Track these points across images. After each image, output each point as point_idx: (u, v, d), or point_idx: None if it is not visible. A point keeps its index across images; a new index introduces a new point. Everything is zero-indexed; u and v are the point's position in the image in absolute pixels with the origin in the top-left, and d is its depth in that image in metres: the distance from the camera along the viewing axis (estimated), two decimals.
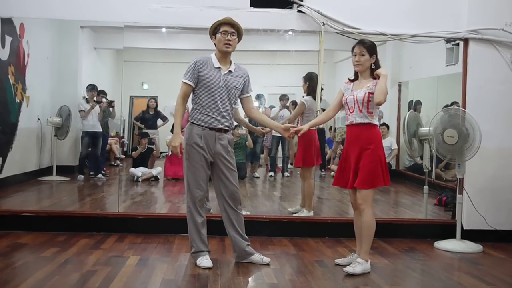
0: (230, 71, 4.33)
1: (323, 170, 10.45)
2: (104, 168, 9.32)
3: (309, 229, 5.60)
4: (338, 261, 4.54)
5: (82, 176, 8.85)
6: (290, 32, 5.90)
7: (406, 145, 6.24)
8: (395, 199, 8.48)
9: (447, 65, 7.91)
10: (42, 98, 8.96)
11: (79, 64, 9.56)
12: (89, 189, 8.36)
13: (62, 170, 8.84)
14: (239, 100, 4.53)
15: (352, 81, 4.48)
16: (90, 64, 10.21)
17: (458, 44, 6.83)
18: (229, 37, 4.26)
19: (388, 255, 4.93)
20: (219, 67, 4.29)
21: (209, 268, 4.23)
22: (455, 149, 5.32)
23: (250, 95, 4.53)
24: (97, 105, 8.96)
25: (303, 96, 6.40)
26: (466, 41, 5.66)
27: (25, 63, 8.25)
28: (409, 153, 6.84)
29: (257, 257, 4.45)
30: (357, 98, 4.31)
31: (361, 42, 4.40)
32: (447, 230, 5.52)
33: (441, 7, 5.66)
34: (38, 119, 8.76)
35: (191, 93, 4.34)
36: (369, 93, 4.27)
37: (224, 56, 4.32)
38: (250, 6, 5.51)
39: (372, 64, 4.36)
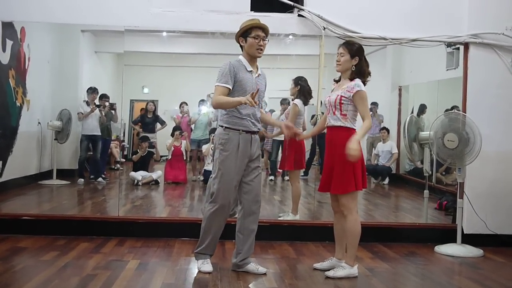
0: (259, 75, 4.30)
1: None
2: (105, 172, 9.32)
3: (310, 233, 5.59)
4: (317, 265, 4.48)
5: (82, 180, 8.85)
6: (290, 36, 5.91)
7: (407, 149, 6.24)
8: (395, 203, 8.48)
9: (447, 69, 7.91)
10: (43, 102, 8.97)
11: (80, 68, 9.57)
12: (89, 193, 8.36)
13: (63, 173, 8.83)
14: None
15: (336, 82, 4.45)
16: (90, 68, 10.22)
17: (458, 48, 6.83)
18: (261, 43, 4.18)
19: (388, 260, 4.92)
20: (251, 71, 4.23)
21: (209, 273, 4.22)
22: (455, 153, 5.32)
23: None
24: (97, 109, 8.96)
25: (292, 99, 6.42)
26: (466, 45, 5.66)
27: (26, 67, 8.25)
28: (410, 157, 6.85)
29: (253, 266, 4.32)
30: (330, 101, 4.28)
31: (344, 43, 4.37)
32: (447, 235, 5.51)
33: (441, 12, 5.66)
34: (39, 122, 8.76)
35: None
36: (342, 96, 4.20)
37: (254, 59, 4.27)
38: (251, 10, 5.52)
39: (353, 66, 4.26)
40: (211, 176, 4.52)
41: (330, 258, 4.50)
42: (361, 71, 4.28)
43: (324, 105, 4.40)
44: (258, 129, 4.29)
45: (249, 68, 4.22)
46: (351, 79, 4.25)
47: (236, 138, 4.16)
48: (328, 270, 4.32)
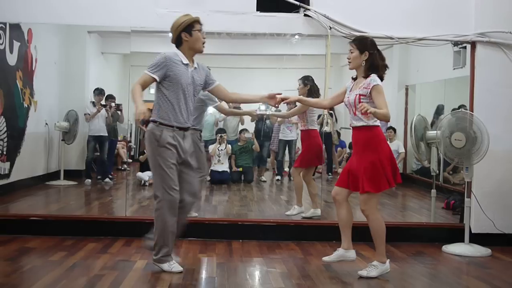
0: (195, 68, 4.28)
1: (330, 173, 10.43)
2: (112, 172, 9.34)
3: (317, 233, 5.59)
4: (326, 258, 4.48)
5: (90, 181, 8.88)
6: (296, 36, 5.90)
7: (414, 149, 6.23)
8: (402, 203, 8.45)
9: (454, 68, 7.89)
10: (50, 103, 9.01)
11: (87, 69, 9.60)
12: (97, 193, 8.39)
13: (70, 174, 8.87)
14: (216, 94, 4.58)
15: (354, 79, 4.39)
16: (97, 69, 10.25)
17: (465, 47, 6.81)
18: (204, 36, 4.23)
19: (396, 259, 4.91)
20: (187, 64, 4.21)
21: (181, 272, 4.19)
22: (463, 152, 5.30)
23: (218, 82, 4.45)
24: (103, 109, 8.99)
25: None
26: (473, 44, 5.64)
27: (33, 68, 8.29)
28: (417, 156, 6.82)
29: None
30: (350, 101, 4.25)
31: (353, 39, 4.35)
32: (455, 234, 5.49)
33: (448, 10, 5.64)
34: (46, 123, 8.80)
35: (155, 89, 4.21)
36: (360, 95, 4.16)
37: (193, 54, 4.26)
38: (257, 10, 5.52)
39: (364, 62, 4.22)
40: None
41: (337, 249, 4.49)
42: (374, 65, 4.21)
43: (344, 105, 4.37)
44: (193, 125, 4.33)
45: (185, 61, 4.21)
46: (366, 76, 4.21)
47: (171, 134, 4.15)
48: (337, 261, 4.38)
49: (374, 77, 4.18)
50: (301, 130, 6.42)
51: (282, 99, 4.46)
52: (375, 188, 4.17)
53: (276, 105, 4.58)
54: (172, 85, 4.13)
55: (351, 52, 4.25)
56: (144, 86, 4.14)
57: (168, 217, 4.15)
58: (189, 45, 4.20)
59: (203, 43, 4.24)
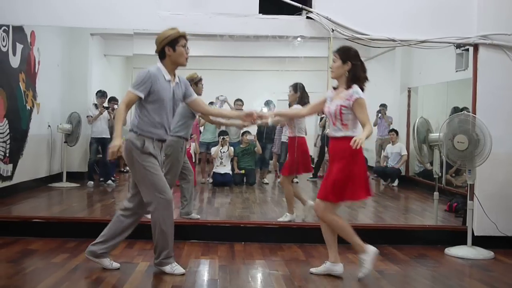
0: (176, 83, 4.28)
1: None
2: (114, 175, 9.35)
3: (319, 235, 5.53)
4: (313, 270, 4.43)
5: (92, 183, 8.89)
6: (299, 39, 5.90)
7: (416, 151, 6.21)
8: (405, 205, 8.44)
9: (456, 71, 7.89)
10: (53, 105, 9.03)
11: (89, 71, 9.63)
12: (99, 196, 8.39)
13: (72, 176, 8.89)
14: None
15: (335, 89, 4.36)
16: (100, 71, 10.28)
17: (468, 50, 6.82)
18: (188, 51, 4.24)
19: (398, 262, 4.90)
20: (169, 80, 4.21)
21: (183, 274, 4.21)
22: (465, 155, 5.29)
23: (196, 96, 4.46)
24: (106, 111, 9.00)
25: (289, 105, 6.39)
26: (476, 46, 5.63)
27: (36, 71, 8.32)
28: (419, 159, 6.82)
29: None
30: (330, 111, 4.23)
31: (337, 49, 4.32)
32: (457, 237, 5.48)
33: (450, 13, 5.64)
34: (49, 125, 8.82)
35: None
36: (341, 105, 4.13)
37: (175, 68, 4.26)
38: (259, 12, 5.52)
39: (347, 72, 4.20)
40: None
41: (325, 262, 4.43)
42: (355, 76, 4.20)
43: (324, 114, 4.35)
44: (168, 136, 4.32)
45: (168, 77, 4.21)
46: (348, 87, 4.19)
47: (152, 144, 4.19)
48: (324, 274, 4.32)
49: (356, 88, 4.15)
50: (288, 137, 6.38)
51: (259, 116, 4.49)
52: (337, 198, 4.17)
53: (253, 122, 4.55)
54: (154, 100, 4.13)
55: (334, 62, 4.25)
56: (130, 105, 4.17)
57: (166, 219, 4.20)
58: (172, 60, 4.20)
59: (186, 59, 4.24)
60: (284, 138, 9.97)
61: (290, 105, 6.40)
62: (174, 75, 4.27)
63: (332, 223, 4.24)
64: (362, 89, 4.20)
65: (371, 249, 4.24)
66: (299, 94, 6.27)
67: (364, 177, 4.21)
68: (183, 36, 4.21)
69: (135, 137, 4.18)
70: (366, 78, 4.26)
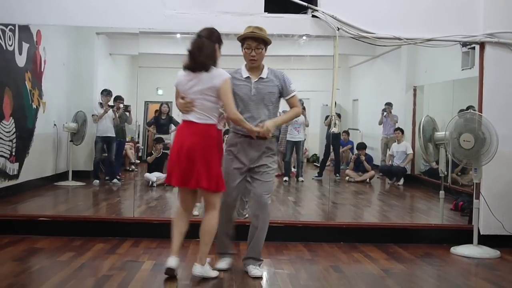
0: (260, 78, 4.25)
1: (337, 174, 10.42)
2: (119, 173, 9.37)
3: (324, 234, 5.58)
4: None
5: (98, 181, 8.91)
6: (304, 37, 5.91)
7: (422, 150, 6.19)
8: (410, 204, 8.43)
9: (462, 69, 7.86)
10: (58, 104, 9.05)
11: (95, 70, 9.64)
12: (105, 194, 8.41)
13: (78, 175, 8.91)
14: None
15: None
16: (105, 70, 10.29)
17: (474, 48, 6.78)
18: (253, 53, 4.19)
19: (404, 261, 4.90)
20: (247, 77, 4.25)
21: (221, 271, 4.28)
22: (471, 153, 5.27)
23: (290, 96, 4.33)
24: (110, 110, 9.01)
25: None
26: (482, 45, 5.61)
27: (42, 70, 8.34)
28: (425, 157, 6.80)
29: (249, 268, 4.30)
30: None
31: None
32: (463, 236, 5.46)
33: (456, 11, 5.62)
34: (54, 124, 8.85)
35: None
36: None
37: (252, 66, 4.27)
38: (265, 11, 5.52)
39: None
40: None
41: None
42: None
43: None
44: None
45: (245, 74, 4.25)
46: None
47: (236, 141, 4.25)
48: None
49: None
50: None
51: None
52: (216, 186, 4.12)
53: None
54: (235, 99, 4.16)
55: (260, 49, 4.22)
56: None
57: None
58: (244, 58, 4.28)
59: (251, 60, 4.22)
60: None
61: None
62: (261, 71, 4.26)
63: (216, 219, 4.16)
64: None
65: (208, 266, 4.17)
66: None
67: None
68: (247, 37, 4.21)
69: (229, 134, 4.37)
70: None
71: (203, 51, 4.02)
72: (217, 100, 4.01)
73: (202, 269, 4.10)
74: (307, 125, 10.26)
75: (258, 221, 4.24)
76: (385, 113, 10.63)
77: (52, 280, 3.94)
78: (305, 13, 5.59)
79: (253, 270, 4.22)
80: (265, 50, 4.27)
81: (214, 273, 4.17)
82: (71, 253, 4.75)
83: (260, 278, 4.17)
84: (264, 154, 4.25)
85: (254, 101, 4.22)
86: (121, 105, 9.18)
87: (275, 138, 4.43)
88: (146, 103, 12.17)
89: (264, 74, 4.28)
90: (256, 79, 4.25)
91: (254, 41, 4.20)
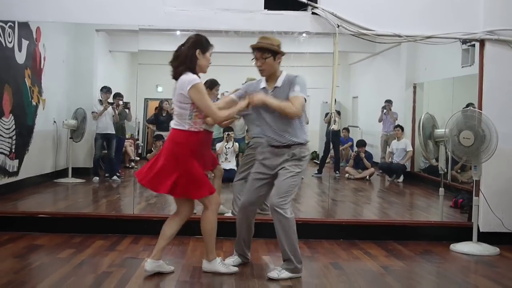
0: (275, 87, 4.19)
1: (337, 171, 10.42)
2: (119, 170, 9.38)
3: (324, 231, 5.58)
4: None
5: (97, 178, 8.92)
6: (304, 34, 5.89)
7: (422, 147, 6.20)
8: (410, 201, 8.44)
9: (462, 67, 7.86)
10: (58, 101, 9.05)
11: (95, 67, 9.64)
12: (104, 191, 8.42)
13: (78, 172, 8.91)
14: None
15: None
16: (105, 67, 10.28)
17: (474, 45, 6.78)
18: (258, 63, 4.18)
19: (403, 258, 4.90)
20: (264, 87, 4.22)
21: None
22: (471, 151, 5.28)
23: (291, 96, 4.15)
24: (110, 107, 9.01)
25: None
26: (482, 42, 5.61)
27: (41, 66, 8.33)
28: (425, 155, 6.80)
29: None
30: None
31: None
32: (463, 233, 5.47)
33: (456, 8, 5.61)
34: (54, 121, 8.85)
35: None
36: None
37: (267, 75, 4.24)
38: (265, 8, 5.51)
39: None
40: None
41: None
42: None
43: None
44: (283, 142, 4.20)
45: (263, 85, 4.23)
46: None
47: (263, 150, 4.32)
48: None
49: None
50: None
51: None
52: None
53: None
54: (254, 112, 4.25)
55: (265, 59, 4.17)
56: None
57: None
58: None
59: (259, 70, 4.23)
60: None
61: None
62: (276, 80, 4.21)
63: (214, 217, 4.21)
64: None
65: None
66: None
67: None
68: (253, 49, 4.22)
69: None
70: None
71: (177, 59, 4.08)
72: (190, 106, 3.96)
73: (209, 265, 4.16)
74: (307, 123, 10.25)
75: (277, 230, 4.18)
76: (385, 111, 10.63)
77: (52, 277, 3.94)
78: (305, 10, 5.58)
79: (272, 271, 4.17)
80: (276, 58, 4.19)
81: (223, 269, 4.17)
82: (71, 250, 4.76)
83: (267, 279, 4.09)
84: (287, 160, 4.18)
85: (270, 112, 4.14)
86: (121, 102, 9.18)
87: (302, 146, 4.28)
88: (146, 100, 12.15)
89: (279, 82, 4.21)
90: (272, 90, 4.21)
91: (258, 51, 4.18)
